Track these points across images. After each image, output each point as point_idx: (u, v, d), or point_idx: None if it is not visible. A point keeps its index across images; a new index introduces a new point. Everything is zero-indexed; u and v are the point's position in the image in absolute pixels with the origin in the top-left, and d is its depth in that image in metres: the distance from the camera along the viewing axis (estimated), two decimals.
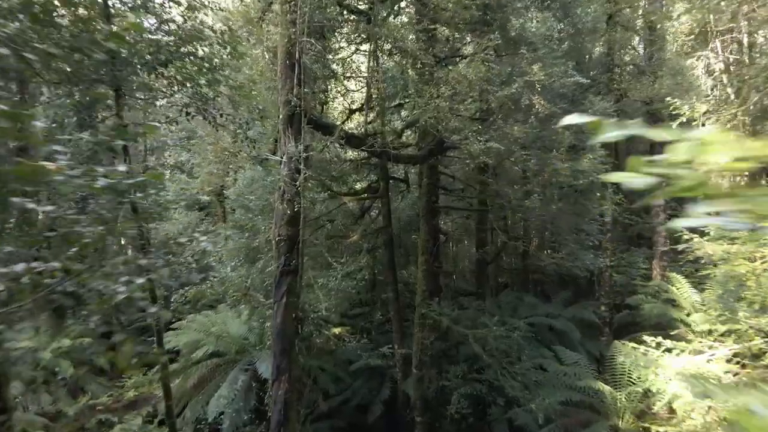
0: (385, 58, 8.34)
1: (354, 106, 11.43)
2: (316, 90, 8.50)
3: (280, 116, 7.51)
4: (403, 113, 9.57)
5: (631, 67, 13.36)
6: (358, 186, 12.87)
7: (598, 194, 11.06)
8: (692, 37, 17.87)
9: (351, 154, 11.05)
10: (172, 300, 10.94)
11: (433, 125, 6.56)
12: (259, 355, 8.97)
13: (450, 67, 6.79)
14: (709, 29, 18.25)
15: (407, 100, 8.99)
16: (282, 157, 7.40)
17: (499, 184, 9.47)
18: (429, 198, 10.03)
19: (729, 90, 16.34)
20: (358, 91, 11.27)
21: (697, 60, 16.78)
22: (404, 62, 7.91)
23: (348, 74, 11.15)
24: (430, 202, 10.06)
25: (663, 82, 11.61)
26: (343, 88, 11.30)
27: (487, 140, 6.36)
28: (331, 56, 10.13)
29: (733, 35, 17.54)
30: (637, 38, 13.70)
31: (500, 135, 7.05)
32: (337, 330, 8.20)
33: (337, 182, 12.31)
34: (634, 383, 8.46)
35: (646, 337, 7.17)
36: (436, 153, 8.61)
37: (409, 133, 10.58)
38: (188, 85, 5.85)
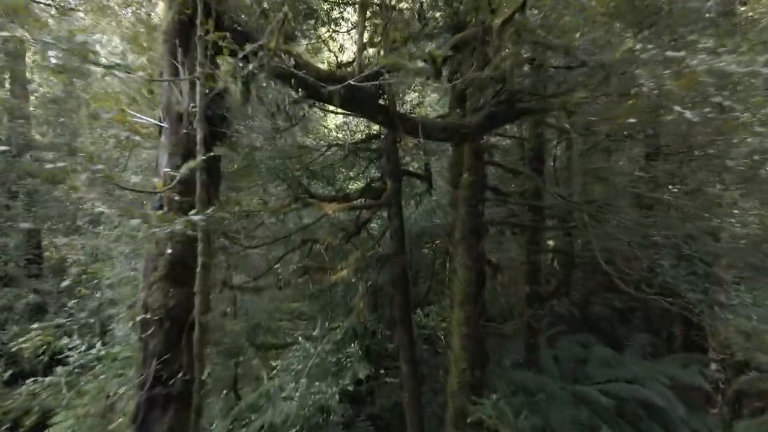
0: None
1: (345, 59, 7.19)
2: None
3: (160, 27, 3.28)
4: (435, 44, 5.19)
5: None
6: (353, 187, 8.64)
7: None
8: None
9: (336, 125, 6.80)
10: None
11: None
12: None
13: None
14: None
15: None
16: (162, 120, 3.16)
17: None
18: (473, 207, 5.74)
19: None
20: (347, 31, 7.00)
21: None
22: None
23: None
24: (474, 214, 5.76)
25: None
26: (327, 29, 7.08)
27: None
28: None
29: None
30: None
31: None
32: None
33: (321, 180, 8.10)
34: None
35: None
36: (500, 120, 4.36)
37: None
38: None
